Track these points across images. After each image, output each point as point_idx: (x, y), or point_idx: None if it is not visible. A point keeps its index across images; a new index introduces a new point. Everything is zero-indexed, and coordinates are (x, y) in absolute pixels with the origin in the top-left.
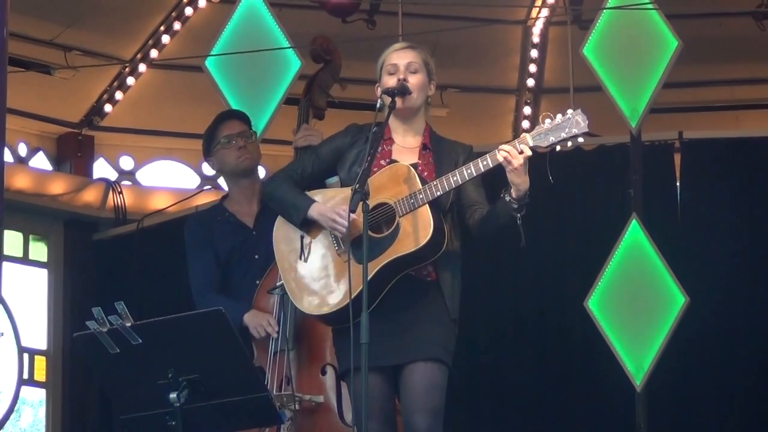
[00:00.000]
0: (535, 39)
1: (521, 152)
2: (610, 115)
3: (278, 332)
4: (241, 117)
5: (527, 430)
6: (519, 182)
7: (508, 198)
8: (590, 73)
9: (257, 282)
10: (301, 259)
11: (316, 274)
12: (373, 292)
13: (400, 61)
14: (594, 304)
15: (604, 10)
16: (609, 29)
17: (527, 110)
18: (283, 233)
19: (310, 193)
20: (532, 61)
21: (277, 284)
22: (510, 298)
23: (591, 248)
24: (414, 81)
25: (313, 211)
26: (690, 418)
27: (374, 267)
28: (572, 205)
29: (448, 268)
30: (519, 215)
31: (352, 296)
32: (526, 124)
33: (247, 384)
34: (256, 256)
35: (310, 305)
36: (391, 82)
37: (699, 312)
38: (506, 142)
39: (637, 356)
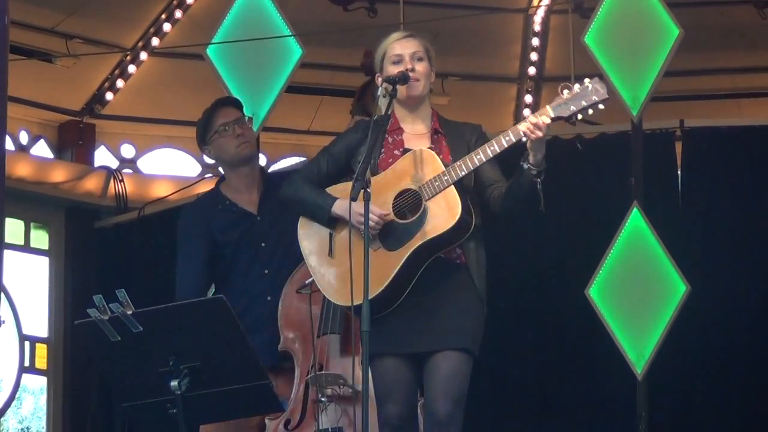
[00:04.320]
0: (537, 27)
1: (543, 123)
2: (611, 104)
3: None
4: (235, 103)
5: (528, 419)
6: (537, 149)
7: (526, 165)
8: (591, 61)
9: (265, 271)
10: (329, 254)
11: (345, 267)
12: (404, 280)
13: (405, 51)
14: (595, 292)
15: None
16: (610, 17)
17: (528, 98)
18: (308, 230)
19: (329, 189)
20: (534, 49)
21: (306, 282)
22: (511, 286)
23: (592, 236)
24: (420, 69)
25: (338, 208)
26: (691, 405)
27: (405, 252)
28: (573, 194)
29: (473, 247)
30: (539, 180)
31: (382, 287)
32: (527, 112)
33: (248, 372)
34: (263, 244)
35: (341, 298)
36: (396, 71)
37: (700, 300)
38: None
39: (639, 344)
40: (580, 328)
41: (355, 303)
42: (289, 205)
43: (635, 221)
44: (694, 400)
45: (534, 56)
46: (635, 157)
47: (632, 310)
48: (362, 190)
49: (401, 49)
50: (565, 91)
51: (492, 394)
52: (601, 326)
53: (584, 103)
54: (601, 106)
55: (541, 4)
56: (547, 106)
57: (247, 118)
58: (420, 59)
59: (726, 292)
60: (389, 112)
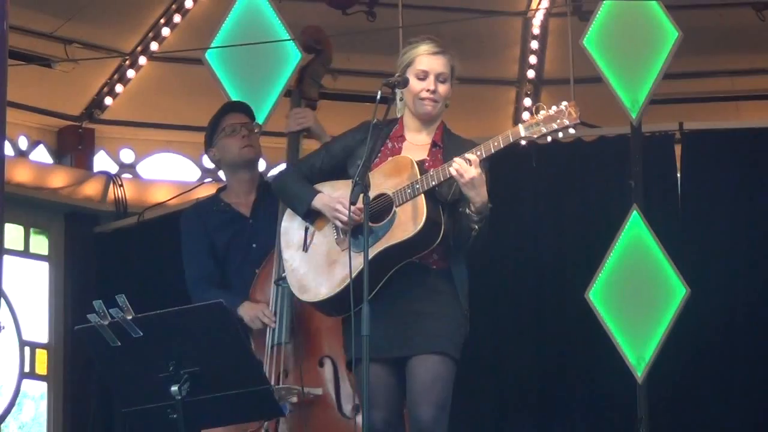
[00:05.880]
0: (536, 30)
1: (465, 171)
2: (611, 107)
3: (275, 323)
4: (245, 109)
5: (528, 422)
6: (473, 195)
7: (467, 211)
8: (590, 64)
9: (256, 271)
10: (303, 249)
11: (316, 264)
12: (369, 282)
13: (432, 70)
14: (595, 295)
15: (604, 1)
16: (609, 20)
17: (527, 102)
18: (289, 224)
19: (318, 186)
20: (533, 52)
21: (283, 275)
22: (510, 289)
23: (591, 240)
24: (442, 91)
25: (317, 202)
26: (691, 409)
27: (369, 255)
28: (573, 197)
29: (458, 257)
30: (477, 227)
31: (343, 286)
32: (526, 115)
33: (249, 376)
34: (254, 245)
35: (307, 294)
36: (419, 87)
37: (700, 303)
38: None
39: (638, 348)
40: (579, 332)
41: (317, 300)
42: (276, 193)
43: (635, 224)
44: (694, 403)
45: (533, 59)
46: (634, 160)
47: (632, 313)
48: (362, 195)
49: (428, 66)
50: (541, 112)
51: (492, 398)
52: (601, 329)
53: (555, 126)
54: (571, 131)
55: (540, 7)
56: (519, 126)
57: (255, 125)
58: (444, 81)
59: (726, 294)
60: (397, 117)
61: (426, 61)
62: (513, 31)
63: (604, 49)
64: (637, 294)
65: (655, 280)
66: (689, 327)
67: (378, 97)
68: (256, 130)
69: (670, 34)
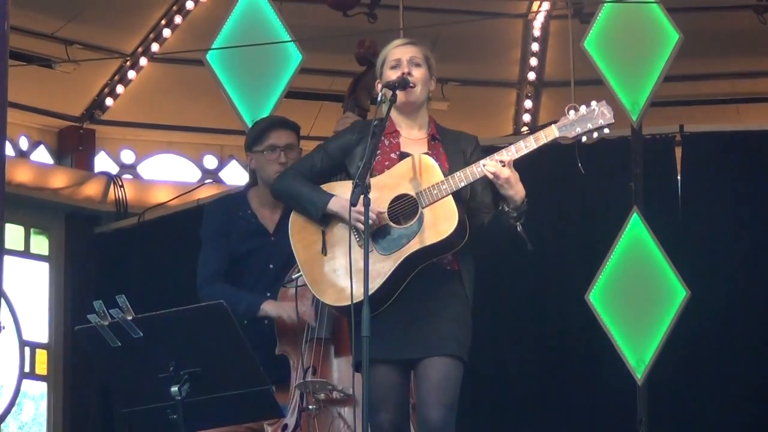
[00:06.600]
0: (536, 32)
1: (504, 164)
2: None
3: (317, 320)
4: (293, 127)
5: (528, 424)
6: (511, 194)
7: (506, 209)
8: (591, 66)
9: (267, 294)
10: (322, 252)
11: (336, 267)
12: (394, 284)
13: (403, 56)
14: (595, 297)
15: (605, 4)
16: (610, 23)
17: (528, 103)
18: (300, 226)
19: (327, 187)
20: (533, 54)
21: (293, 276)
22: (511, 291)
23: (592, 241)
24: (417, 74)
25: (334, 206)
26: (691, 410)
27: (399, 257)
28: (573, 199)
29: (466, 256)
30: (519, 223)
31: (373, 290)
32: (527, 117)
33: (249, 377)
34: (271, 266)
35: (331, 297)
36: (394, 76)
37: (700, 305)
38: (520, 134)
39: (639, 349)
40: (580, 333)
41: (346, 303)
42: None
43: (635, 226)
44: (694, 405)
45: (534, 61)
46: (635, 162)
47: (632, 315)
48: (362, 196)
49: (400, 54)
50: (572, 112)
51: (492, 399)
52: (601, 331)
53: (590, 126)
54: (606, 131)
55: (540, 9)
56: (553, 126)
57: (296, 146)
58: (418, 65)
59: (726, 296)
60: (387, 117)
61: (397, 51)
62: (514, 33)
63: (604, 51)
64: (637, 296)
65: (655, 282)
66: (689, 329)
67: (378, 98)
68: (296, 153)
69: (670, 36)
